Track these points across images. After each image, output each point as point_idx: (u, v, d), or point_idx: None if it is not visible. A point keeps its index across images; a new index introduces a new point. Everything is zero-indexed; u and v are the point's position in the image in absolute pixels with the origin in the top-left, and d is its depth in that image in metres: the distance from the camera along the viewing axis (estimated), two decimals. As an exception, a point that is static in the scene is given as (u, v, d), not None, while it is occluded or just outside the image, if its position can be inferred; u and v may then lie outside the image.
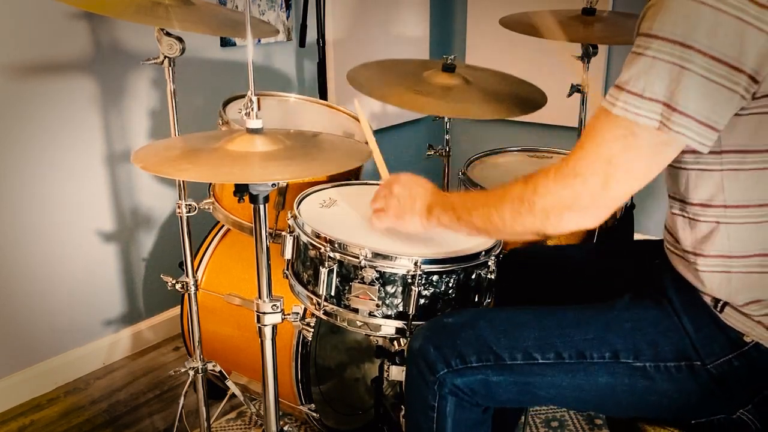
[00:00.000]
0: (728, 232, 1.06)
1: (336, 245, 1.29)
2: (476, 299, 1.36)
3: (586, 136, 1.02)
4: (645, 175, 1.01)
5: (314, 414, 1.74)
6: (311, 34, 2.49)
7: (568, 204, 1.03)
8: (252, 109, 1.17)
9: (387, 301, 1.29)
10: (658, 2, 0.96)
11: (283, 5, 2.56)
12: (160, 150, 1.24)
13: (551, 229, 1.07)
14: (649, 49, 0.95)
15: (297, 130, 1.39)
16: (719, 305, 1.10)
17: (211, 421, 1.91)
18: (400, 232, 1.38)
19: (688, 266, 1.12)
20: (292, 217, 1.39)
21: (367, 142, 1.49)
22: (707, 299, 1.11)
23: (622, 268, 1.39)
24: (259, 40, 2.50)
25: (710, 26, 0.91)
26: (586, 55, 2.16)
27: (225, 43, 2.39)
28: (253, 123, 1.19)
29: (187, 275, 1.67)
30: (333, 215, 1.45)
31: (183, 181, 1.60)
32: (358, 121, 1.96)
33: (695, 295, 1.12)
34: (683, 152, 1.04)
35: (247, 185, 1.17)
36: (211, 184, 1.86)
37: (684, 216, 1.11)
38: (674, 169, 1.09)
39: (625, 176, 1.00)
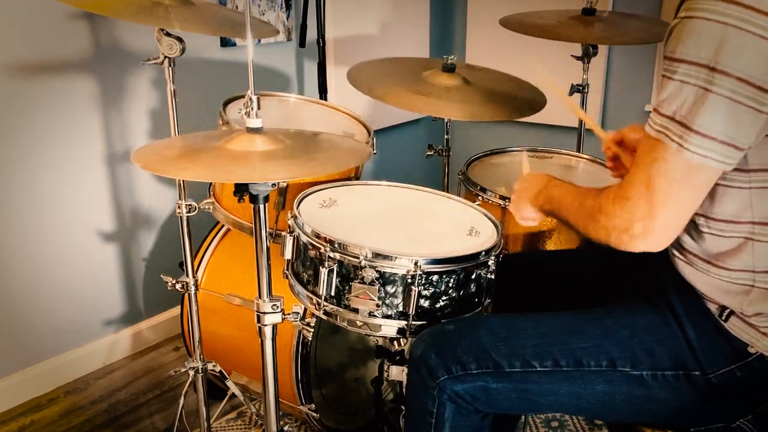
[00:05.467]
0: (755, 248, 1.06)
1: (336, 245, 1.29)
2: (476, 299, 1.36)
3: (635, 162, 1.03)
4: (688, 201, 1.00)
5: (314, 414, 1.74)
6: (311, 34, 2.49)
7: (625, 227, 1.03)
8: (252, 108, 1.17)
9: (387, 301, 1.29)
10: (681, 22, 0.95)
11: (283, 5, 2.56)
12: (160, 149, 1.24)
13: (615, 246, 1.07)
14: (677, 72, 0.95)
15: (297, 130, 1.39)
16: (725, 314, 1.09)
17: (211, 421, 1.91)
18: (400, 231, 1.38)
19: (696, 272, 1.11)
20: (292, 217, 1.39)
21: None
22: (712, 307, 1.10)
23: (621, 273, 1.38)
24: (259, 40, 2.50)
25: (736, 47, 0.90)
26: (586, 55, 2.17)
27: (225, 43, 2.39)
28: (253, 122, 1.19)
29: (187, 275, 1.67)
30: (333, 215, 1.45)
31: (183, 181, 1.60)
32: (359, 121, 1.96)
33: (699, 301, 1.12)
34: None
35: (247, 185, 1.17)
36: (211, 184, 1.86)
37: (703, 230, 1.09)
38: None
39: (667, 201, 0.99)
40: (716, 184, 1.04)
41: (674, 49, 0.96)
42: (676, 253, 1.16)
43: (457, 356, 1.17)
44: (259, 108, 1.18)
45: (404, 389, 1.33)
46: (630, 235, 1.03)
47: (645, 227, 1.01)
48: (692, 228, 1.11)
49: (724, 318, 1.09)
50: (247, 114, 1.18)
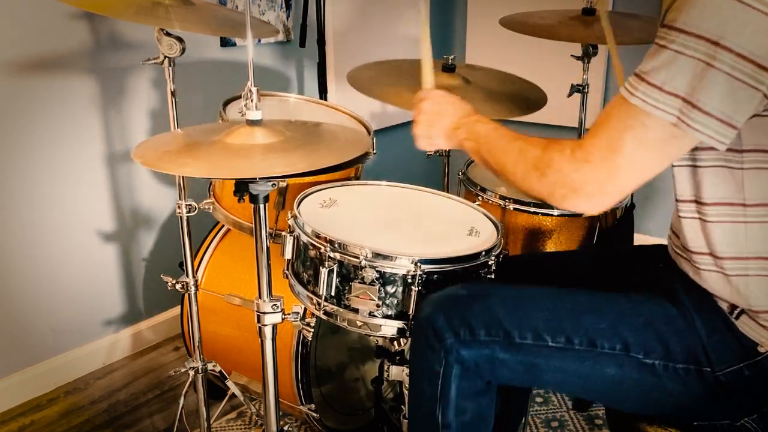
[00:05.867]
0: (747, 232, 1.05)
1: (336, 245, 1.29)
2: (476, 299, 1.36)
3: (600, 123, 1.02)
4: (652, 168, 1.00)
5: (314, 414, 1.74)
6: (311, 34, 2.49)
7: (576, 187, 1.03)
8: (251, 100, 1.17)
9: (387, 301, 1.29)
10: None
11: (283, 5, 2.56)
12: (160, 145, 1.24)
13: (554, 203, 1.06)
14: (674, 42, 0.94)
15: (297, 120, 1.39)
16: (735, 312, 1.08)
17: (211, 421, 1.91)
18: (400, 231, 1.38)
19: (699, 271, 1.11)
20: (292, 217, 1.39)
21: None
22: (723, 305, 1.10)
23: (624, 275, 1.38)
24: (259, 40, 2.50)
25: (740, 23, 0.90)
26: (586, 55, 2.16)
27: (225, 43, 2.39)
28: (253, 114, 1.18)
29: (187, 275, 1.67)
30: (333, 215, 1.45)
31: (183, 181, 1.60)
32: (359, 121, 1.97)
33: (709, 298, 1.11)
34: (702, 150, 1.02)
35: (247, 185, 1.17)
36: (211, 183, 1.86)
37: (698, 218, 1.09)
38: (691, 168, 1.07)
39: (631, 167, 0.99)
40: (709, 166, 1.04)
41: (675, 18, 0.94)
42: (677, 251, 1.16)
43: (467, 320, 1.14)
44: (258, 100, 1.17)
45: (408, 353, 1.30)
46: (579, 194, 1.02)
47: (600, 189, 1.01)
48: (687, 219, 1.10)
49: (735, 316, 1.08)
50: (247, 106, 1.17)
